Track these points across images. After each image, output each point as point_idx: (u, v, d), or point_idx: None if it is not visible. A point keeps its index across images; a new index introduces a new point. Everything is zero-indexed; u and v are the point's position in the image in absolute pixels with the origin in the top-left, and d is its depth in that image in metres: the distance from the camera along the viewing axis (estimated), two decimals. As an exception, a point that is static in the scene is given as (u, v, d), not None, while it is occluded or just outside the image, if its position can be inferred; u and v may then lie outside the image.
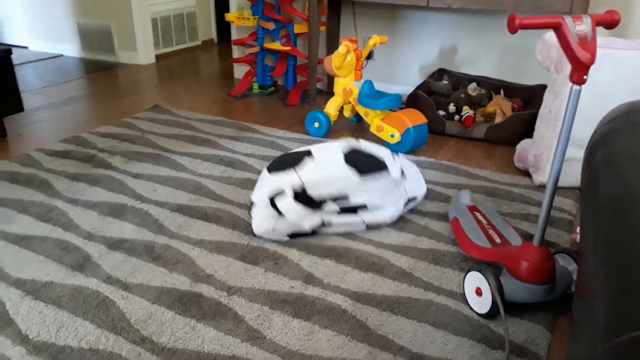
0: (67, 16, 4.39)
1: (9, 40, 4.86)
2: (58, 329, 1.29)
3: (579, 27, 1.15)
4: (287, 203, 1.63)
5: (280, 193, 1.63)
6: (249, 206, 1.76)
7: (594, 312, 0.77)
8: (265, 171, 1.71)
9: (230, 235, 1.72)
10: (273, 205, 1.63)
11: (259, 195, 1.67)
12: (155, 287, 1.45)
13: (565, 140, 1.25)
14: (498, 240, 1.57)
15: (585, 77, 1.18)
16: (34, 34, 4.65)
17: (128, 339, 1.26)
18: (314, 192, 1.64)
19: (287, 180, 1.64)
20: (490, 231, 1.62)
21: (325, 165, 1.66)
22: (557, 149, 1.26)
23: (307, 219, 1.65)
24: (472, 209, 1.75)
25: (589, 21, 1.16)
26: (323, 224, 1.68)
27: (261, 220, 1.66)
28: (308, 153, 1.70)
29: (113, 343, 1.24)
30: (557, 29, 1.15)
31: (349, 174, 1.66)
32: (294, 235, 1.69)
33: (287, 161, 1.69)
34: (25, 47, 4.75)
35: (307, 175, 1.64)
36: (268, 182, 1.67)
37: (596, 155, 1.17)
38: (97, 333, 1.28)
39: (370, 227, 1.75)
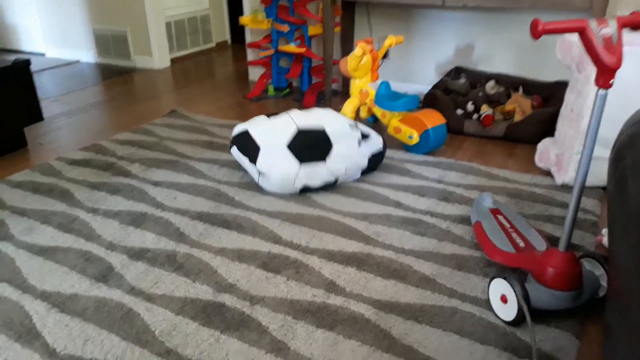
0: (84, 23, 4.43)
1: (26, 47, 4.92)
2: (84, 342, 1.30)
3: (604, 30, 1.13)
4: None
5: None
6: (235, 144, 1.90)
7: (632, 321, 0.75)
8: (262, 117, 1.95)
9: (251, 242, 1.72)
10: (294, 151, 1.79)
11: (274, 141, 1.81)
12: (179, 298, 1.45)
13: (591, 145, 1.22)
14: (522, 244, 1.55)
15: (611, 81, 1.15)
16: (51, 40, 4.70)
17: (153, 352, 1.26)
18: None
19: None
20: (514, 235, 1.59)
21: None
22: (582, 153, 1.23)
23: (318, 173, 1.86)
24: (495, 212, 1.73)
25: (614, 24, 1.13)
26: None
27: (285, 171, 1.80)
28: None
29: (139, 356, 1.25)
30: (582, 33, 1.12)
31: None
32: (304, 189, 1.92)
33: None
34: (43, 54, 4.81)
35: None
36: (272, 126, 1.88)
37: (624, 159, 1.14)
38: (122, 346, 1.28)
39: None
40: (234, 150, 2.01)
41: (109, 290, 1.49)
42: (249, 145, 1.99)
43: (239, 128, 2.05)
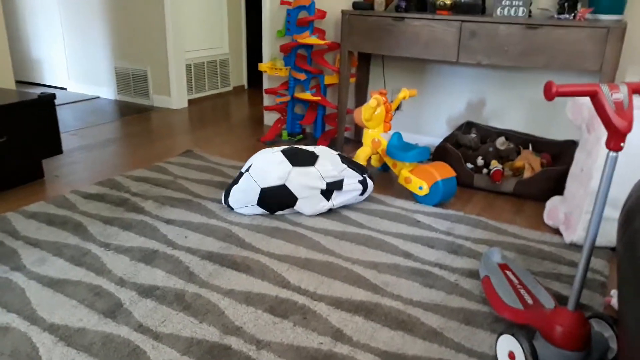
0: (106, 60, 4.58)
1: (49, 81, 5.08)
2: (89, 378, 1.30)
3: (615, 94, 1.17)
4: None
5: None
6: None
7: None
8: (287, 164, 2.21)
9: (260, 285, 1.72)
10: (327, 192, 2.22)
11: (313, 183, 2.21)
12: (185, 338, 1.45)
13: (601, 206, 1.24)
14: (530, 301, 1.55)
15: (622, 144, 1.18)
16: (74, 76, 4.85)
17: (158, 392, 1.26)
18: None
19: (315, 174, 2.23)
20: (522, 291, 1.59)
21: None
22: (592, 213, 1.25)
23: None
24: (503, 267, 1.74)
25: (625, 89, 1.18)
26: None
27: (315, 204, 2.24)
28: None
29: (143, 395, 1.25)
30: (594, 97, 1.16)
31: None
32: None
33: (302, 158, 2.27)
34: (64, 89, 4.95)
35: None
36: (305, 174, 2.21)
37: (634, 221, 1.16)
38: (127, 384, 1.28)
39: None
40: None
41: (116, 326, 1.50)
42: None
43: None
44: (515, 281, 1.65)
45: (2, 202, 2.38)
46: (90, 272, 1.78)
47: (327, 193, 2.23)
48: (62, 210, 2.26)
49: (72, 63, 4.82)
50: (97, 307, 1.58)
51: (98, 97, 4.69)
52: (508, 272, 1.70)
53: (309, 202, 2.23)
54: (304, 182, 2.19)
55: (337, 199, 2.29)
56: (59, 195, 2.42)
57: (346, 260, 1.90)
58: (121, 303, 1.61)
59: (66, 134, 3.50)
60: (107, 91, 4.68)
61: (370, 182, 2.39)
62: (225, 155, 3.11)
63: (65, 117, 3.95)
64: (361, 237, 2.08)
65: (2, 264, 1.82)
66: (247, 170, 2.24)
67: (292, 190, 2.18)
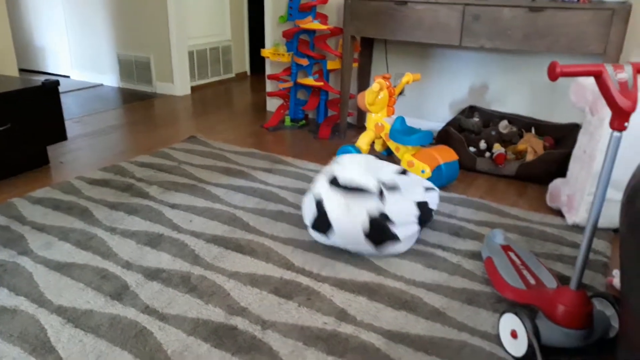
0: (109, 48, 4.58)
1: (53, 69, 5.08)
2: (97, 358, 1.32)
3: (620, 74, 1.17)
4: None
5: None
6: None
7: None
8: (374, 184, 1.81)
9: (264, 268, 1.74)
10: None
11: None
12: (191, 319, 1.47)
13: (604, 186, 1.25)
14: (532, 281, 1.56)
15: (626, 124, 1.18)
16: (77, 64, 4.85)
17: (165, 370, 1.28)
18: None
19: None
20: (525, 272, 1.61)
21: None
22: (595, 193, 1.26)
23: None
24: (506, 248, 1.75)
25: (630, 69, 1.18)
26: None
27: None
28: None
29: (151, 373, 1.27)
30: (598, 77, 1.16)
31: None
32: None
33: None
34: (68, 77, 4.96)
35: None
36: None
37: (637, 202, 1.17)
38: (135, 363, 1.30)
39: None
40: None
41: (123, 308, 1.52)
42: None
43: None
44: (518, 262, 1.66)
45: (8, 188, 2.40)
46: (96, 255, 1.80)
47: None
48: (68, 196, 2.27)
49: (75, 51, 4.81)
50: (103, 289, 1.61)
51: (101, 85, 4.69)
52: (511, 253, 1.71)
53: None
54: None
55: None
56: (64, 181, 2.44)
57: (350, 243, 1.91)
58: (127, 286, 1.63)
59: (70, 121, 3.51)
60: (110, 79, 4.69)
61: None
62: (228, 141, 3.12)
63: (69, 104, 3.96)
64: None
65: (9, 248, 1.84)
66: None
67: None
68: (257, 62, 5.47)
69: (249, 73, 5.29)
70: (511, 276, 1.57)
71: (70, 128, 3.35)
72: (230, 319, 1.48)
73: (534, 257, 1.69)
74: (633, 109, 1.16)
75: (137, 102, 4.11)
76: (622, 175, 1.91)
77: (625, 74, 1.17)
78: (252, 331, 1.43)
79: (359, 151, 2.62)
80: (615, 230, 2.05)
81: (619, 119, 1.18)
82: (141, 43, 4.38)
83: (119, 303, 1.54)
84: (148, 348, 1.36)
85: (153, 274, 1.69)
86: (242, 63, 5.19)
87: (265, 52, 3.36)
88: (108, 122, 3.51)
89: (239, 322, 1.46)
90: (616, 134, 1.20)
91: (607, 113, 1.90)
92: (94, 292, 1.60)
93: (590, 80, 2.03)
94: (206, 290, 1.61)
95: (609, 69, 1.16)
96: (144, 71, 4.44)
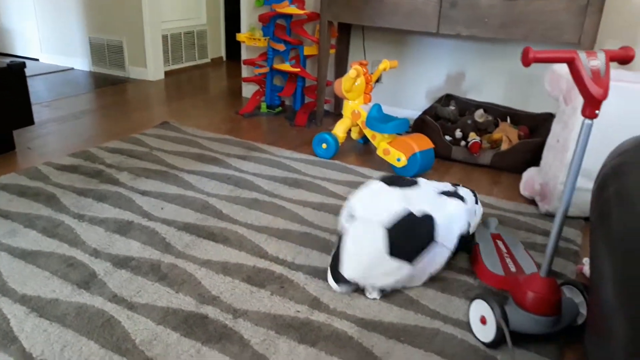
0: (80, 31, 4.44)
1: (21, 52, 4.91)
2: (62, 348, 1.28)
3: (593, 62, 1.17)
4: None
5: None
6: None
7: (611, 351, 0.77)
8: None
9: (237, 256, 1.71)
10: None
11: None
12: (161, 308, 1.44)
13: (575, 173, 1.25)
14: (513, 269, 1.57)
15: (597, 111, 1.18)
16: (46, 46, 4.71)
17: (133, 360, 1.25)
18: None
19: None
20: (508, 260, 1.62)
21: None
22: (566, 181, 1.26)
23: None
24: (496, 236, 1.77)
25: (603, 56, 1.18)
26: None
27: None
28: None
29: (117, 364, 1.24)
30: (571, 63, 1.16)
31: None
32: None
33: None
34: (37, 60, 4.80)
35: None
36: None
37: (608, 189, 1.17)
38: (101, 353, 1.27)
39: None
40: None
41: (90, 297, 1.48)
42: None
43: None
44: (504, 250, 1.68)
45: (-29, 173, 2.32)
46: (63, 243, 1.75)
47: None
48: (35, 182, 2.20)
49: (44, 33, 4.66)
50: (70, 278, 1.56)
51: (72, 69, 4.56)
52: (499, 242, 1.74)
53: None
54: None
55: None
56: (31, 167, 2.36)
57: (324, 231, 1.90)
58: (95, 274, 1.58)
59: (39, 105, 3.41)
60: (81, 62, 4.56)
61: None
62: (202, 127, 3.06)
63: (37, 88, 3.84)
64: (339, 208, 2.08)
65: (-29, 235, 1.77)
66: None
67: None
68: (234, 47, 5.38)
69: (224, 58, 5.21)
70: (493, 263, 1.59)
71: (39, 112, 3.25)
72: (200, 307, 1.45)
73: (522, 247, 1.71)
74: (604, 96, 1.16)
75: (109, 86, 4.00)
76: (594, 165, 1.93)
77: (598, 61, 1.16)
78: (223, 320, 1.40)
79: (335, 139, 2.60)
80: (586, 219, 2.07)
81: (591, 107, 1.18)
82: (113, 26, 4.26)
83: (86, 292, 1.50)
84: (115, 337, 1.32)
85: (122, 262, 1.65)
86: (217, 48, 5.10)
87: (240, 37, 3.30)
88: (78, 107, 3.41)
89: (210, 311, 1.43)
90: (587, 121, 1.20)
91: (580, 102, 1.92)
92: (60, 280, 1.55)
93: (566, 69, 2.04)
94: (177, 279, 1.57)
95: (581, 55, 1.16)
96: (116, 55, 4.33)
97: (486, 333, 1.34)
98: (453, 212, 1.57)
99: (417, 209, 1.48)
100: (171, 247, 1.75)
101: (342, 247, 1.52)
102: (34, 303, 1.44)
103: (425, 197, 1.56)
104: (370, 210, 1.50)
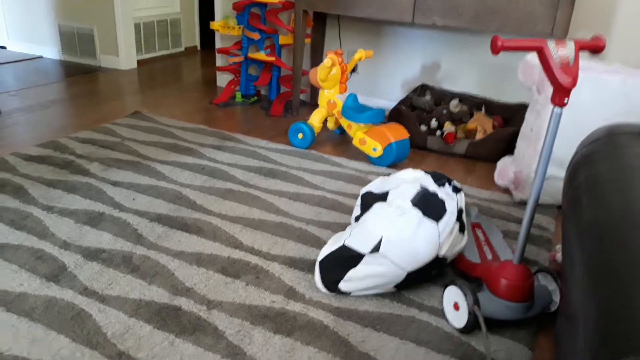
0: (49, 17, 4.32)
1: (-14, 40, 4.75)
2: (31, 343, 1.25)
3: (562, 51, 1.17)
4: None
5: None
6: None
7: (579, 336, 0.78)
8: (430, 224, 1.45)
9: (211, 247, 1.69)
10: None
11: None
12: (133, 300, 1.41)
13: (546, 160, 1.27)
14: (490, 257, 1.59)
15: (566, 100, 1.20)
16: (13, 34, 4.56)
17: (105, 354, 1.22)
18: None
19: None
20: (485, 248, 1.64)
21: None
22: (538, 168, 1.28)
23: None
24: (475, 225, 1.78)
25: (572, 46, 1.19)
26: None
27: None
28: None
29: (89, 358, 1.21)
30: (540, 52, 1.16)
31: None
32: None
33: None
34: (4, 47, 4.66)
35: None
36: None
37: (578, 177, 1.19)
38: (71, 347, 1.24)
39: None
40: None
41: (60, 290, 1.44)
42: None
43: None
44: (482, 238, 1.70)
45: None
46: (31, 235, 1.70)
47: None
48: (1, 173, 2.14)
49: (11, 20, 4.52)
50: (39, 271, 1.52)
51: (41, 57, 4.43)
52: (478, 230, 1.75)
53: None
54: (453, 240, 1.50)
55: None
56: (-2, 158, 2.29)
57: (300, 221, 1.89)
58: (65, 267, 1.55)
59: (5, 94, 3.30)
60: (50, 51, 4.43)
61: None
62: (175, 117, 3.01)
63: (4, 77, 3.72)
64: (315, 198, 2.07)
65: None
66: (375, 249, 1.43)
67: (443, 254, 1.49)
68: (208, 36, 5.30)
69: (199, 47, 5.13)
70: (470, 251, 1.60)
71: (6, 102, 3.15)
72: (174, 299, 1.43)
73: (501, 236, 1.72)
74: (573, 85, 1.17)
75: (79, 75, 3.90)
76: (566, 154, 1.95)
77: (567, 50, 1.17)
78: (197, 312, 1.38)
79: (311, 129, 2.58)
80: (559, 207, 2.11)
81: (560, 95, 1.19)
82: (84, 13, 4.15)
83: (55, 285, 1.46)
84: (86, 331, 1.29)
85: (93, 254, 1.61)
86: (192, 37, 5.02)
87: (214, 25, 3.25)
88: (48, 96, 3.32)
89: (184, 303, 1.42)
90: (557, 109, 1.21)
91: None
92: (29, 273, 1.51)
93: (538, 60, 2.05)
94: (149, 271, 1.55)
95: (550, 44, 1.16)
96: (87, 43, 4.22)
97: (459, 319, 1.35)
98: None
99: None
100: (143, 238, 1.72)
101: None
102: (0, 297, 1.40)
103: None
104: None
